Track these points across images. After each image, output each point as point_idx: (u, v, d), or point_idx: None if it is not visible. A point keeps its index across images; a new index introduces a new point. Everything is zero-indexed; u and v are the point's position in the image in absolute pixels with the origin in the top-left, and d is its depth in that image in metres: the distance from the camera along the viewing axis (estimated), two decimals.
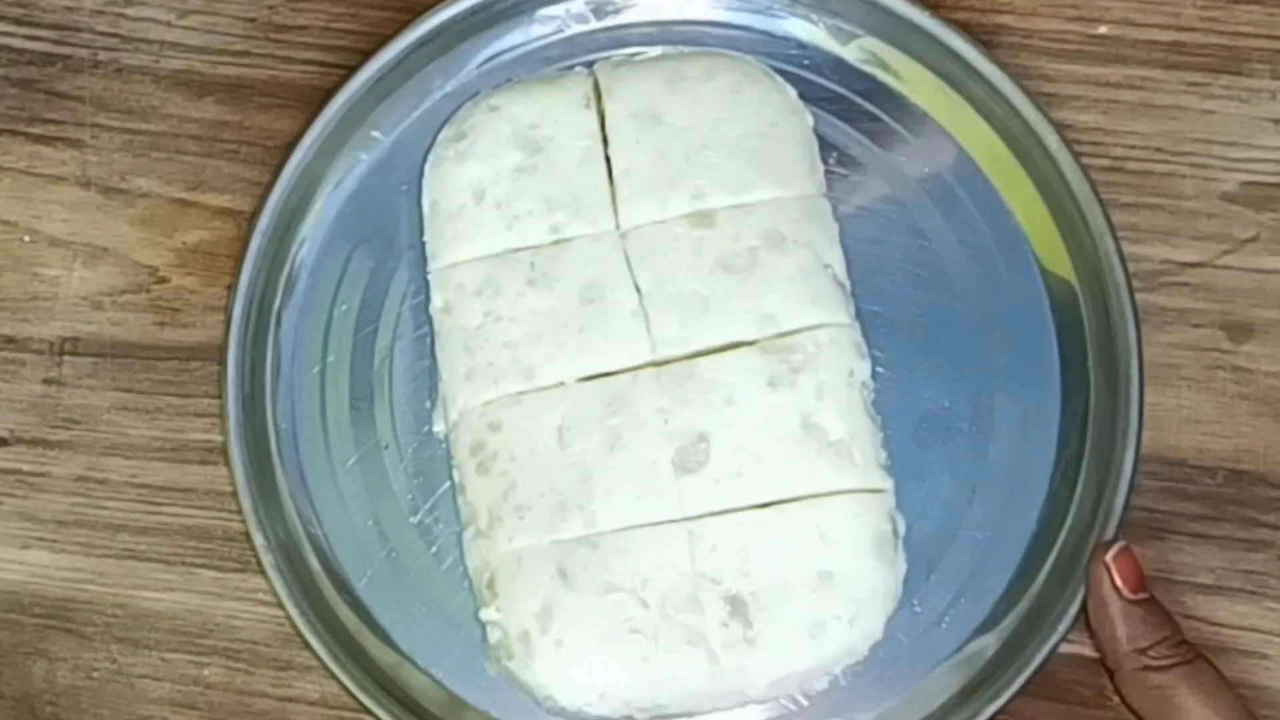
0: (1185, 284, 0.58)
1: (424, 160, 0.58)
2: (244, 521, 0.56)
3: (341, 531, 0.57)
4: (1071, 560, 0.55)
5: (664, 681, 0.53)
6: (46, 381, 0.59)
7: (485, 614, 0.54)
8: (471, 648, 0.56)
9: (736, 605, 0.53)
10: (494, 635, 0.54)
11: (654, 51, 0.59)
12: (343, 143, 0.58)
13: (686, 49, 0.59)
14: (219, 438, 0.59)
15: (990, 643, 0.56)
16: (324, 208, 0.59)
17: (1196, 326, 0.58)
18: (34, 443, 0.59)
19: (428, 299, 0.57)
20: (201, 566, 0.58)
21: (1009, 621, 0.56)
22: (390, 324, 0.58)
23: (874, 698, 0.55)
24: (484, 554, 0.54)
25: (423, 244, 0.57)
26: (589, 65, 0.59)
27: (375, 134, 0.59)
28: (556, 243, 0.56)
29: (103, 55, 0.61)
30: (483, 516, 0.54)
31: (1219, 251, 0.59)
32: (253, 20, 0.61)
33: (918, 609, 0.56)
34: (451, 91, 0.59)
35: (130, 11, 0.61)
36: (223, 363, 0.56)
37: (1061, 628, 0.54)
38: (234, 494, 0.56)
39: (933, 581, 0.56)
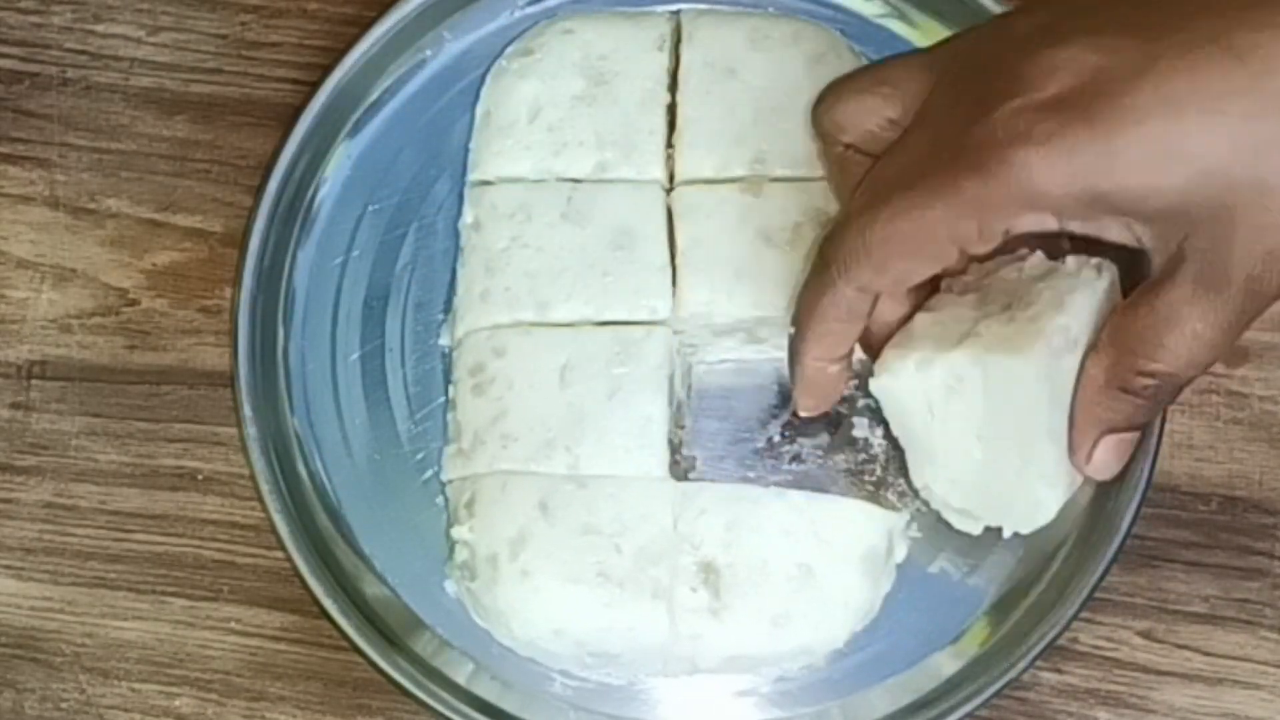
0: None
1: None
2: (236, 407, 0.55)
3: (330, 424, 0.57)
4: (1059, 592, 0.54)
5: (620, 630, 0.53)
6: (14, 406, 0.58)
7: (457, 532, 0.54)
8: (433, 563, 0.56)
9: (710, 574, 0.53)
10: (462, 554, 0.54)
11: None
12: (412, 40, 0.58)
13: (773, 10, 0.58)
14: (191, 463, 0.58)
15: (952, 662, 0.55)
16: (381, 101, 0.58)
17: None
18: (1, 469, 0.58)
19: (461, 212, 0.57)
20: (172, 595, 0.58)
21: (976, 644, 0.55)
22: (421, 230, 0.58)
23: (821, 696, 0.55)
24: (466, 473, 0.54)
25: (467, 154, 0.57)
26: (673, 13, 0.58)
27: (445, 34, 0.59)
28: (599, 181, 0.56)
29: (71, 73, 0.60)
30: (468, 437, 0.54)
31: None
32: (224, 37, 0.60)
33: (881, 620, 0.55)
34: (532, 12, 0.59)
35: (100, 28, 0.60)
36: (247, 235, 0.56)
37: (1033, 654, 0.53)
38: (233, 377, 0.55)
39: (902, 597, 0.55)
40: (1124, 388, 0.47)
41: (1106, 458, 0.49)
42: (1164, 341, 0.46)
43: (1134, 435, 0.49)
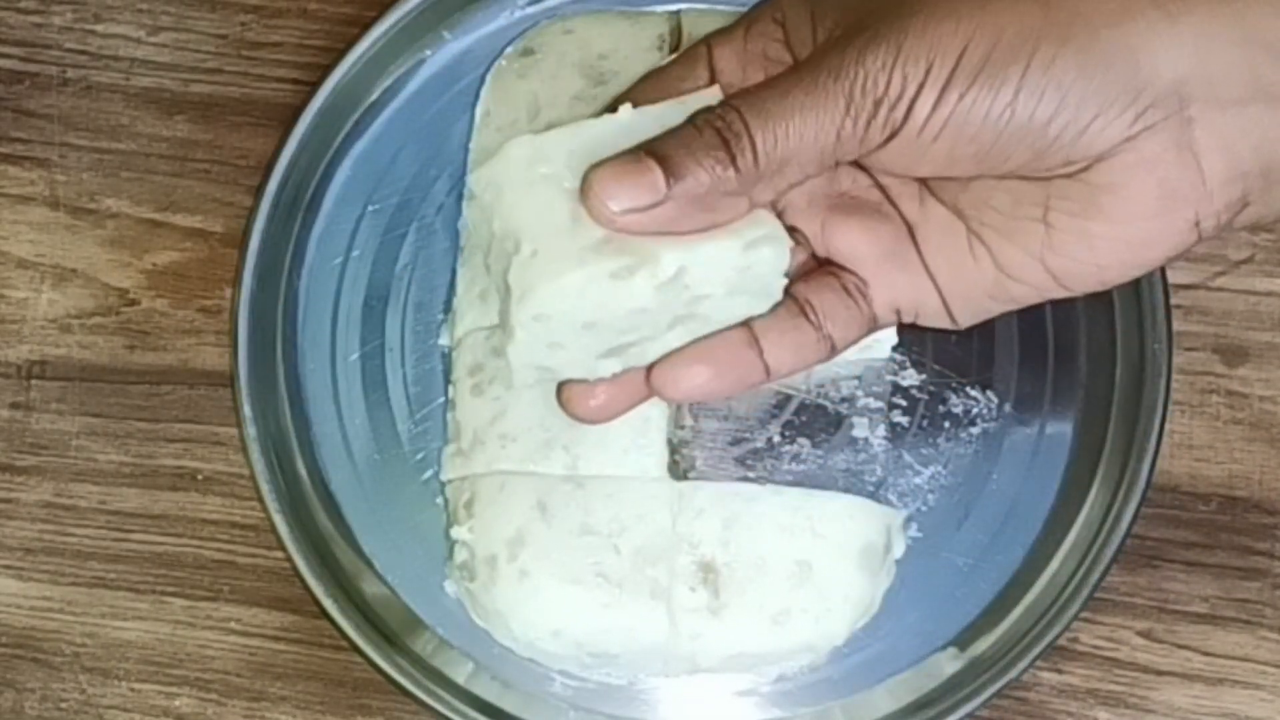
0: (1178, 306, 0.57)
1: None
2: (236, 407, 0.55)
3: (330, 423, 0.57)
4: (1059, 592, 0.54)
5: (619, 631, 0.53)
6: (14, 406, 0.58)
7: (456, 532, 0.54)
8: (433, 563, 0.56)
9: (709, 573, 0.53)
10: (461, 555, 0.54)
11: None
12: (412, 40, 0.58)
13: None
14: (191, 463, 0.58)
15: (952, 662, 0.55)
16: (381, 101, 0.58)
17: (1190, 350, 0.57)
18: (1, 469, 0.58)
19: (461, 212, 0.57)
20: (172, 595, 0.57)
21: (977, 644, 0.55)
22: (421, 230, 0.58)
23: (821, 696, 0.55)
24: (465, 473, 0.54)
25: (467, 154, 0.57)
26: (673, 13, 0.58)
27: (445, 34, 0.59)
28: None
29: (71, 73, 0.60)
30: (467, 436, 0.55)
31: (1212, 273, 0.58)
32: (224, 37, 0.60)
33: (881, 619, 0.55)
34: (532, 12, 0.59)
35: (100, 28, 0.60)
36: (247, 235, 0.56)
37: (1033, 654, 0.54)
38: (233, 377, 0.55)
39: (903, 596, 0.55)
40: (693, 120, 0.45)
41: (605, 180, 0.44)
42: (756, 91, 0.45)
43: (648, 182, 0.44)
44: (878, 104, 0.43)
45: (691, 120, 0.45)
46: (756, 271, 0.46)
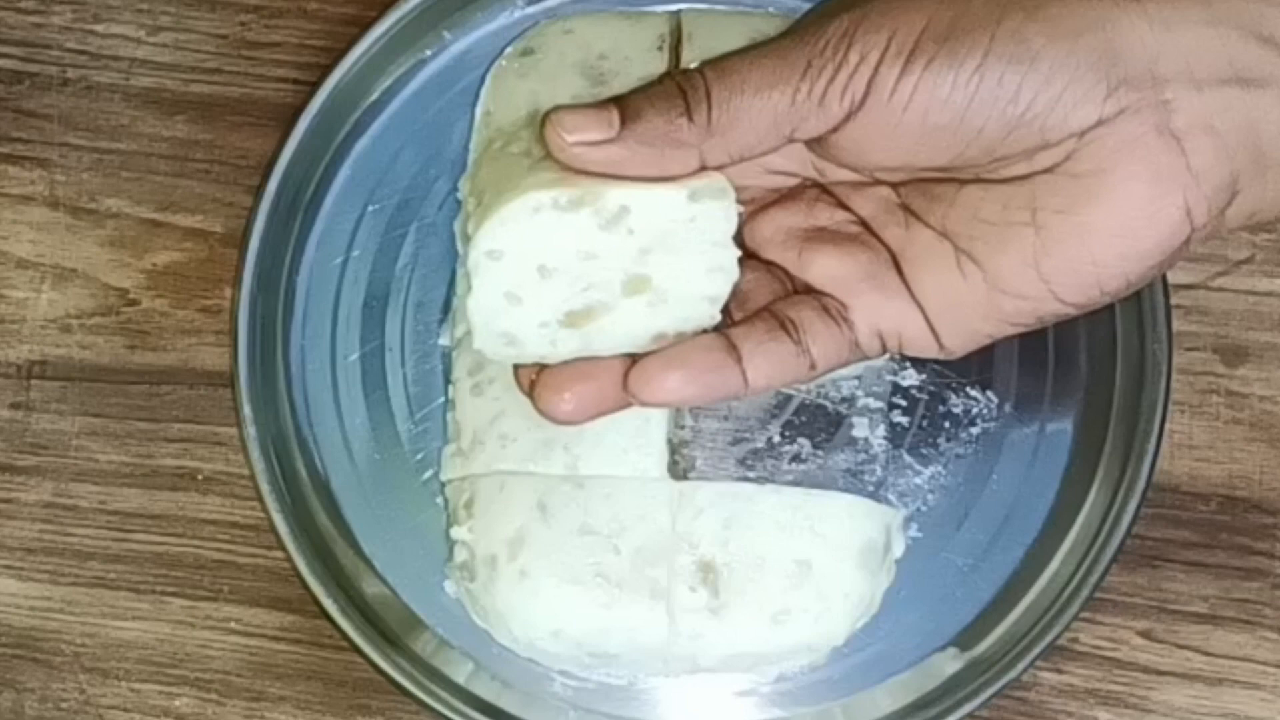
0: (1178, 306, 0.57)
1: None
2: (236, 407, 0.55)
3: (330, 423, 0.57)
4: (1059, 592, 0.54)
5: (619, 631, 0.53)
6: (14, 406, 0.58)
7: (456, 532, 0.54)
8: (433, 563, 0.56)
9: (708, 573, 0.53)
10: (460, 555, 0.54)
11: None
12: (412, 40, 0.58)
13: (773, 10, 0.58)
14: (191, 463, 0.58)
15: (952, 662, 0.55)
16: (381, 101, 0.58)
17: (1190, 350, 0.57)
18: (1, 469, 0.58)
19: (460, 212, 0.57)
20: (172, 595, 0.57)
21: (977, 644, 0.55)
22: (421, 230, 0.58)
23: (821, 696, 0.56)
24: (465, 473, 0.54)
25: (467, 154, 0.57)
26: (673, 13, 0.58)
27: (445, 34, 0.59)
28: None
29: (71, 73, 0.60)
30: (466, 437, 0.55)
31: (1213, 273, 0.58)
32: (225, 37, 0.60)
33: (881, 619, 0.55)
34: (532, 12, 0.59)
35: (100, 28, 0.60)
36: (247, 235, 0.56)
37: (1033, 654, 0.54)
38: (233, 377, 0.55)
39: (903, 596, 0.55)
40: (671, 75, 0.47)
41: (564, 114, 0.46)
42: (726, 57, 0.46)
43: (604, 126, 0.46)
44: (837, 70, 0.44)
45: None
46: (703, 226, 0.47)
